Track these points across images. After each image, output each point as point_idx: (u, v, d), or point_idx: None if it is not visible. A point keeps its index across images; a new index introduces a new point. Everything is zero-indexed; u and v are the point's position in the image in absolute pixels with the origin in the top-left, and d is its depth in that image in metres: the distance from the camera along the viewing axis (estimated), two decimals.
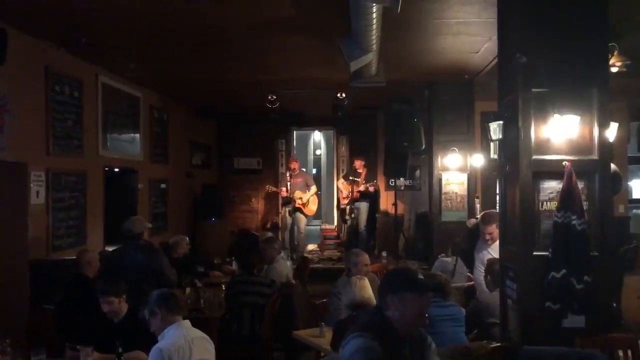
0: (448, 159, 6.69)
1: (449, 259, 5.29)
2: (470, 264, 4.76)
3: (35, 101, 4.75)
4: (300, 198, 8.29)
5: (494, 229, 4.17)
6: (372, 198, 8.45)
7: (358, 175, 8.36)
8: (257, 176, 9.88)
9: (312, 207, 8.49)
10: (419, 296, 2.09)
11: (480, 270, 4.21)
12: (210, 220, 8.59)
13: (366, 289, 3.27)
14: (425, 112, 6.95)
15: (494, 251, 4.16)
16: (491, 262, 3.93)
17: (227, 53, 5.45)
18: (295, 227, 8.59)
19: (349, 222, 8.59)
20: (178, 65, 5.96)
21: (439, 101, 6.74)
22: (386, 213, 8.51)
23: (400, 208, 8.17)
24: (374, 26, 3.77)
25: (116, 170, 6.42)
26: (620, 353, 2.92)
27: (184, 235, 5.98)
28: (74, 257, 4.19)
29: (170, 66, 6.00)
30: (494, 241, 4.20)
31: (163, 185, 7.66)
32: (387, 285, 2.18)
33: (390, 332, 2.07)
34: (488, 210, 4.76)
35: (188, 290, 4.77)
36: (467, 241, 4.94)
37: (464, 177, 6.73)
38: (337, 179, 9.45)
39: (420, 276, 2.20)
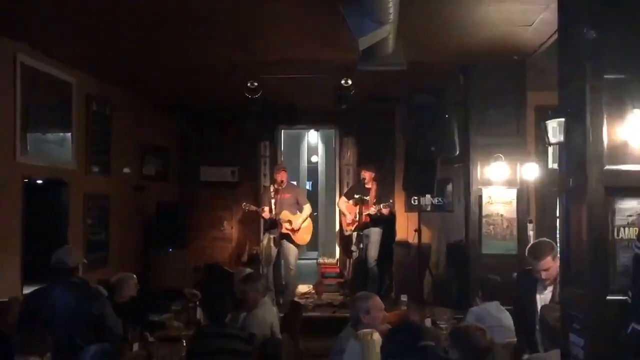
0: (491, 169, 6.71)
1: (489, 306, 5.25)
2: (521, 314, 4.76)
3: None
4: (289, 221, 8.30)
5: (549, 263, 4.17)
6: (386, 223, 8.46)
7: (367, 191, 8.38)
8: (231, 191, 9.89)
9: (305, 235, 8.48)
10: None
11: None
12: (167, 250, 8.57)
13: (378, 349, 3.25)
14: (459, 106, 6.98)
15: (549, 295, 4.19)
16: (544, 311, 3.93)
17: (192, 26, 5.47)
18: (283, 261, 8.55)
19: (355, 255, 8.58)
20: (126, 42, 5.98)
21: (479, 91, 6.77)
22: (406, 243, 8.51)
23: (426, 236, 8.15)
24: None
25: (39, 182, 6.40)
26: None
27: (131, 272, 5.96)
28: None
29: (115, 42, 6.01)
30: (552, 280, 4.20)
31: (103, 203, 7.66)
32: (387, 351, 2.15)
33: None
34: (537, 241, 4.79)
35: (136, 346, 4.75)
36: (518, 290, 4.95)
37: (512, 194, 6.74)
38: (340, 197, 9.47)
39: (430, 342, 2.11)
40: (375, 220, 8.30)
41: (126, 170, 8.44)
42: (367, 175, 8.45)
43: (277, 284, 8.60)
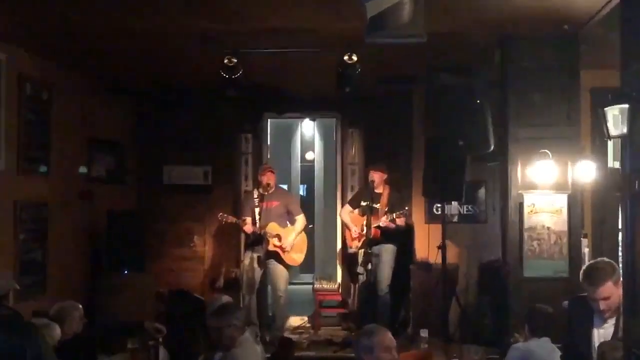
0: (535, 170, 6.70)
1: (537, 343, 5.26)
2: (573, 353, 4.76)
3: None
4: (278, 236, 8.28)
5: (610, 289, 4.15)
6: (402, 238, 8.43)
7: (377, 197, 8.35)
8: (203, 197, 9.89)
9: (298, 254, 8.47)
10: None
11: None
12: (121, 273, 8.56)
13: None
14: (495, 89, 6.99)
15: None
16: (604, 350, 3.92)
17: None
18: (269, 287, 8.52)
19: (362, 279, 8.56)
20: (70, 7, 5.96)
21: (520, 70, 6.77)
22: (427, 264, 8.48)
23: (452, 254, 8.15)
24: None
25: None
26: None
27: (76, 300, 5.94)
28: None
29: (54, 8, 5.99)
30: (613, 311, 4.20)
31: (40, 213, 7.63)
32: None
33: None
34: (594, 261, 4.76)
35: None
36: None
37: (562, 201, 6.74)
38: (342, 205, 9.45)
39: None
40: (387, 235, 8.28)
41: (82, 169, 8.47)
42: (376, 176, 8.41)
43: (263, 316, 8.58)
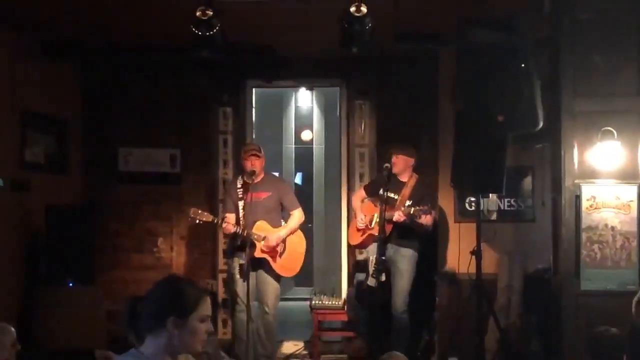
0: (596, 153, 6.73)
1: None
2: None
3: None
4: (267, 237, 8.20)
5: None
6: (423, 240, 8.33)
7: (399, 187, 8.15)
8: (169, 189, 9.92)
9: (293, 261, 8.34)
10: None
11: None
12: (64, 286, 8.56)
13: None
14: (545, 49, 7.01)
15: None
16: None
17: None
18: (257, 304, 8.50)
19: (373, 284, 8.31)
20: None
21: (576, 25, 6.78)
22: (453, 276, 8.47)
23: (490, 262, 8.16)
24: None
25: None
26: None
27: (6, 322, 5.93)
28: None
29: None
30: None
31: None
32: None
33: None
34: None
35: None
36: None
37: (630, 193, 6.78)
38: (348, 198, 9.51)
39: None
40: (404, 232, 8.14)
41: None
42: (400, 162, 8.19)
43: (251, 338, 8.53)
